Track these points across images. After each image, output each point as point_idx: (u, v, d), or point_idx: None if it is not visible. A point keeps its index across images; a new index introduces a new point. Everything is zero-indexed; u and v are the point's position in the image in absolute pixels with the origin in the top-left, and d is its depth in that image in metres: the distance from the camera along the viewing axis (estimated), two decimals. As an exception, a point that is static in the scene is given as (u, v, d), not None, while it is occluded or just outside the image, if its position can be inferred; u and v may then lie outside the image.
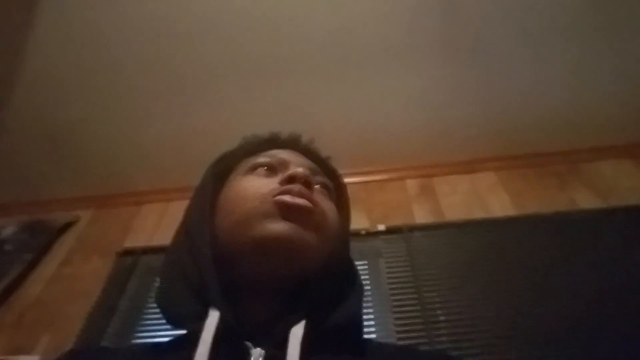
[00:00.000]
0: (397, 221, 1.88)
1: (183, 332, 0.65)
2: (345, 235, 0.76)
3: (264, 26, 1.75)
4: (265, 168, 0.73)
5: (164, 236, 1.99)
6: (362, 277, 1.64)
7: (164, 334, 1.59)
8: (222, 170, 0.78)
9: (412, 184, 2.10)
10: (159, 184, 2.18)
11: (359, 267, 0.78)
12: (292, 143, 0.83)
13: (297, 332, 0.59)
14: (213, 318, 0.59)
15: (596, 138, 2.06)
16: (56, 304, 1.77)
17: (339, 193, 0.80)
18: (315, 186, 0.72)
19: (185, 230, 0.73)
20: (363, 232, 1.84)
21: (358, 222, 1.88)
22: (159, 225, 2.06)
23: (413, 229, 1.84)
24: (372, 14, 1.73)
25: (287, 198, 0.64)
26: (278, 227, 0.63)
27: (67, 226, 2.13)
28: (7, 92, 1.92)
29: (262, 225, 0.63)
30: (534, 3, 1.70)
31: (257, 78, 1.87)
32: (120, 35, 1.77)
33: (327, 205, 0.71)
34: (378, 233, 1.84)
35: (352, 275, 0.74)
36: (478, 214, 1.89)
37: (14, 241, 2.01)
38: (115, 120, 2.00)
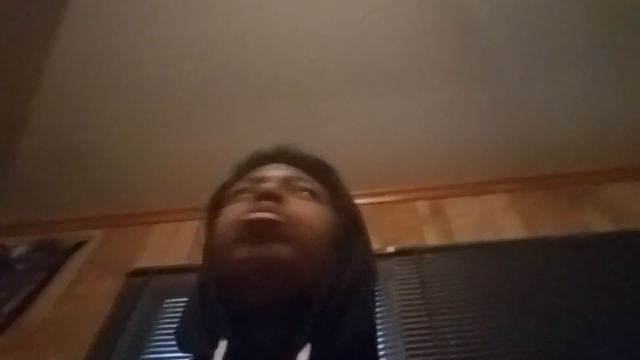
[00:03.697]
0: (408, 243, 1.87)
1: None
2: (346, 235, 0.71)
3: (273, 48, 1.78)
4: (245, 192, 0.72)
5: (175, 257, 2.01)
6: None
7: (172, 356, 1.59)
8: (217, 200, 0.78)
9: (422, 206, 2.09)
10: (171, 204, 2.18)
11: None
12: (275, 156, 0.82)
13: (302, 358, 0.57)
14: (222, 348, 0.59)
15: (608, 160, 2.05)
16: (66, 323, 1.77)
17: (332, 192, 0.76)
18: (298, 192, 0.70)
19: (200, 266, 0.74)
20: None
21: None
22: (169, 245, 2.06)
23: (424, 251, 1.83)
24: (382, 35, 1.75)
25: (250, 216, 0.63)
26: (244, 250, 0.61)
27: (79, 246, 2.14)
28: (22, 114, 1.95)
29: (233, 252, 0.62)
30: (544, 25, 1.72)
31: (267, 99, 1.89)
32: (137, 58, 1.81)
33: (305, 211, 0.67)
34: (388, 255, 1.82)
35: (364, 282, 0.70)
36: (489, 236, 1.87)
37: (26, 260, 2.02)
38: (127, 141, 2.03)
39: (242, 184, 0.74)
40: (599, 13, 1.69)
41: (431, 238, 1.92)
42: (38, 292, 1.90)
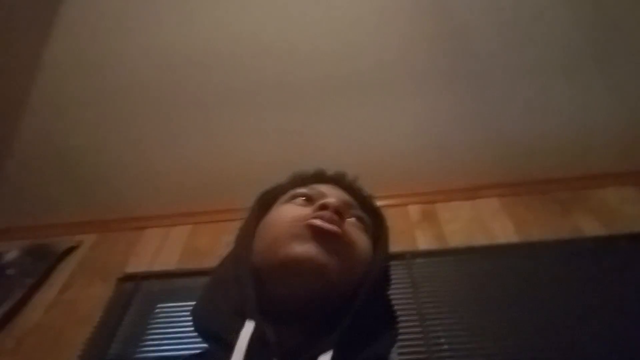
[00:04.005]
0: (399, 247, 1.86)
1: (199, 351, 0.70)
2: (378, 271, 0.77)
3: (264, 55, 1.78)
4: (304, 198, 0.78)
5: (165, 261, 2.01)
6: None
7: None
8: (268, 198, 0.85)
9: (414, 210, 2.09)
10: (161, 209, 2.18)
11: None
12: (336, 179, 0.88)
13: None
14: (248, 329, 0.62)
15: (600, 165, 2.06)
16: (56, 329, 1.76)
17: (377, 230, 0.83)
18: (350, 219, 0.76)
19: (232, 252, 0.78)
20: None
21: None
22: (160, 250, 2.05)
23: (415, 255, 1.83)
24: (373, 42, 1.76)
25: (316, 221, 0.68)
26: (302, 248, 0.66)
27: (70, 251, 2.13)
28: (14, 118, 1.95)
29: (289, 246, 0.66)
30: (534, 35, 1.73)
31: (257, 106, 1.90)
32: (127, 64, 1.81)
33: (357, 237, 0.74)
34: (380, 259, 1.81)
35: (387, 318, 0.77)
36: (481, 240, 1.88)
37: (17, 265, 2.01)
38: (119, 146, 2.03)
39: (300, 190, 0.80)
40: (588, 21, 1.71)
41: (423, 242, 1.92)
42: (29, 298, 1.89)
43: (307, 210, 0.72)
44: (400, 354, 1.50)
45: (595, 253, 1.73)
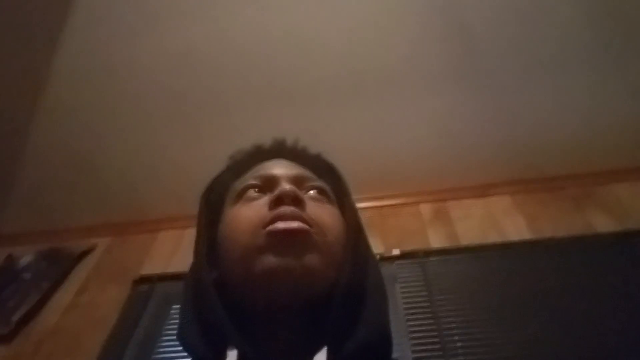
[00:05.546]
0: (412, 246, 1.87)
1: None
2: (354, 235, 0.69)
3: (276, 54, 1.79)
4: (254, 190, 0.68)
5: (180, 263, 2.01)
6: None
7: (180, 362, 1.60)
8: (215, 200, 0.75)
9: (426, 209, 2.09)
10: (175, 212, 2.19)
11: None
12: (277, 151, 0.80)
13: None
14: (231, 358, 0.56)
15: (612, 161, 2.05)
16: (73, 332, 1.77)
17: (337, 188, 0.75)
18: (310, 192, 0.69)
19: (192, 269, 0.70)
20: (377, 257, 1.82)
21: (372, 247, 1.87)
22: (175, 252, 2.06)
23: (428, 253, 1.83)
24: (386, 41, 1.76)
25: (279, 225, 0.59)
26: (275, 260, 0.58)
27: (85, 254, 2.15)
28: (27, 123, 1.97)
29: (259, 261, 0.58)
30: (547, 30, 1.73)
31: (270, 105, 1.90)
32: (140, 67, 1.83)
33: (325, 216, 0.65)
34: (393, 258, 1.82)
35: (372, 279, 0.68)
36: (493, 238, 1.87)
37: (33, 269, 2.03)
38: (132, 149, 2.05)
39: (248, 181, 0.70)
40: (601, 17, 1.70)
41: (435, 240, 1.92)
42: (45, 301, 1.91)
43: (263, 209, 0.63)
44: (415, 351, 1.50)
45: (608, 249, 1.72)
